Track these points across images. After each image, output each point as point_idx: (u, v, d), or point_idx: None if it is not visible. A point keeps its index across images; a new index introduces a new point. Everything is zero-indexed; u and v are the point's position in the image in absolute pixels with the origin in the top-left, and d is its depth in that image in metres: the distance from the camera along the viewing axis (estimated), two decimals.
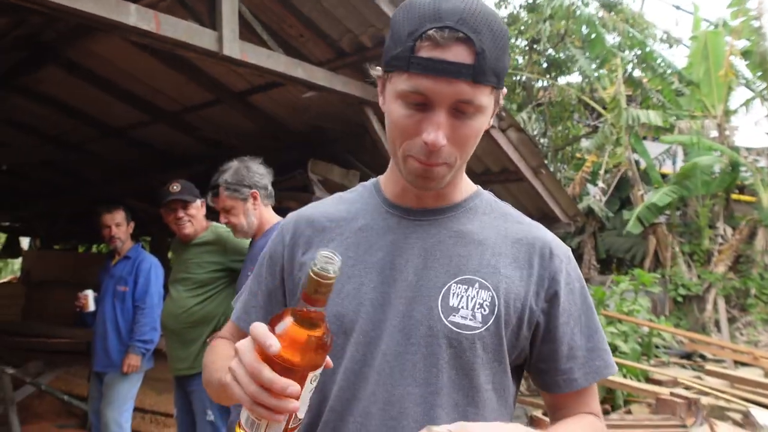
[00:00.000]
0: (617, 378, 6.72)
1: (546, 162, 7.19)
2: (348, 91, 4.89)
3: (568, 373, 1.14)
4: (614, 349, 7.70)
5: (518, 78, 16.23)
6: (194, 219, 3.61)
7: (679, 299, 11.80)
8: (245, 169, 3.14)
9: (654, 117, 12.14)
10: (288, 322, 0.88)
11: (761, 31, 12.35)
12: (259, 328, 0.87)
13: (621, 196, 14.07)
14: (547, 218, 7.05)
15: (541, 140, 15.88)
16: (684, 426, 5.13)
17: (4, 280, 19.69)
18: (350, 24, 4.84)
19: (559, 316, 1.13)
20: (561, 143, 16.25)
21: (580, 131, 16.64)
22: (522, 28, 15.78)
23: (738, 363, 8.58)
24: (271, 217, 3.18)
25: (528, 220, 1.22)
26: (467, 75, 0.97)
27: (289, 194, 6.42)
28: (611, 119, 12.31)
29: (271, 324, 0.89)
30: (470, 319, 1.07)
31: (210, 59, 4.15)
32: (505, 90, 1.09)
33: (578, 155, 15.80)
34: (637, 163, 13.22)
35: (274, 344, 0.84)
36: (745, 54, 12.81)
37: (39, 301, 9.44)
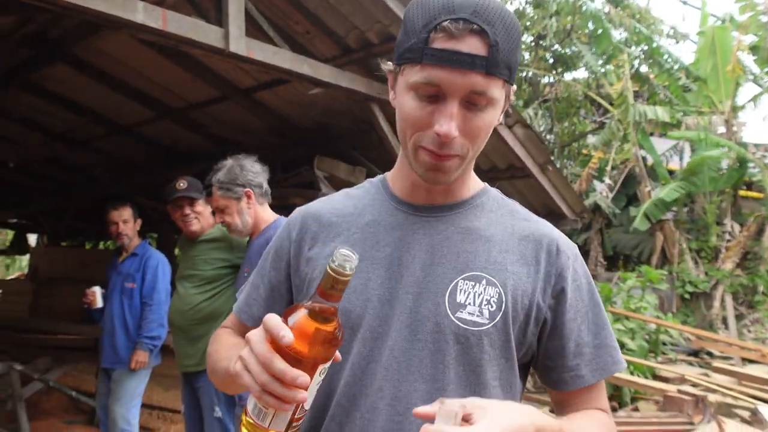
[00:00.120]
0: (624, 375, 6.71)
1: (552, 158, 7.17)
2: (354, 87, 4.88)
3: (575, 369, 1.14)
4: (621, 346, 7.67)
5: (524, 74, 16.18)
6: (201, 216, 3.62)
7: (687, 296, 11.77)
8: (238, 167, 3.08)
9: (661, 113, 12.09)
10: (302, 314, 0.89)
11: None
12: (273, 319, 0.88)
13: (628, 193, 14.02)
14: (553, 215, 7.04)
15: (548, 136, 15.84)
16: (691, 423, 5.12)
17: (12, 276, 19.79)
18: (356, 20, 4.83)
19: (566, 312, 1.13)
20: (567, 139, 16.20)
21: (586, 127, 16.58)
22: (528, 24, 15.71)
23: (746, 360, 8.56)
24: (268, 216, 3.14)
25: (535, 217, 1.22)
26: (481, 66, 0.97)
27: (295, 191, 6.42)
28: (618, 115, 12.25)
29: (285, 316, 0.90)
30: (477, 316, 1.07)
31: (216, 56, 4.16)
32: (515, 87, 1.09)
33: (585, 151, 15.75)
34: (644, 159, 13.18)
35: (287, 335, 0.85)
36: (753, 49, 12.74)
37: (47, 297, 9.47)
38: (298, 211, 1.30)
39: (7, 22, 5.08)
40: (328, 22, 4.94)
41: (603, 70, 14.24)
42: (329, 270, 0.88)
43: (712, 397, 5.77)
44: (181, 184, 3.62)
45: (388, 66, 1.13)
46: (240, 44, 3.96)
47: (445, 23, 0.97)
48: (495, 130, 5.55)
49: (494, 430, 0.80)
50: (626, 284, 9.32)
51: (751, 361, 8.40)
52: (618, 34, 14.30)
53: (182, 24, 3.69)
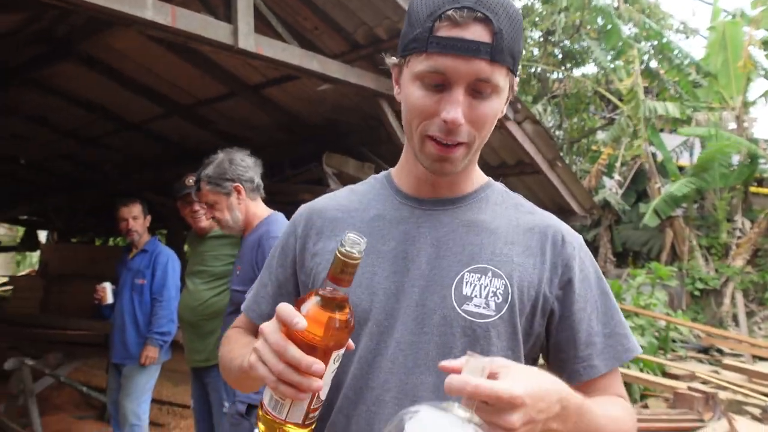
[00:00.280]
0: (634, 372, 6.69)
1: (561, 154, 7.15)
2: (363, 83, 4.88)
3: (587, 360, 1.13)
4: None
5: (533, 70, 16.13)
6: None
7: (697, 293, 11.71)
8: (228, 162, 2.96)
9: (671, 109, 12.02)
10: (314, 301, 0.90)
11: None
12: (286, 307, 0.89)
13: (637, 189, 13.96)
14: (562, 211, 7.02)
15: (557, 132, 15.79)
16: (701, 420, 5.10)
17: (23, 273, 19.92)
18: (365, 16, 4.83)
19: (575, 302, 1.12)
20: (577, 135, 16.15)
21: (595, 123, 16.52)
22: (537, 19, 15.65)
23: (756, 357, 8.52)
24: (261, 212, 3.03)
25: (539, 210, 1.23)
26: (486, 53, 0.99)
27: (304, 187, 6.44)
28: (628, 111, 12.19)
29: (297, 305, 0.91)
30: (484, 308, 1.07)
31: (225, 52, 4.17)
32: (517, 79, 1.11)
33: (594, 147, 15.70)
34: (653, 155, 13.11)
35: (300, 321, 0.86)
36: (765, 44, 12.66)
37: (57, 293, 9.53)
38: (302, 208, 1.31)
39: (16, 19, 5.10)
40: (336, 18, 4.93)
41: (612, 65, 14.15)
42: (338, 254, 0.89)
43: (723, 395, 5.75)
44: (190, 181, 3.62)
45: (392, 60, 1.15)
46: (249, 40, 3.96)
47: (450, 12, 0.98)
48: (504, 126, 5.54)
49: (518, 388, 0.79)
50: (636, 281, 9.30)
51: (762, 359, 8.36)
52: (627, 30, 14.22)
53: (191, 20, 3.70)
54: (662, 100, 13.38)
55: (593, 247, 13.38)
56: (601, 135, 15.53)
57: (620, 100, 13.69)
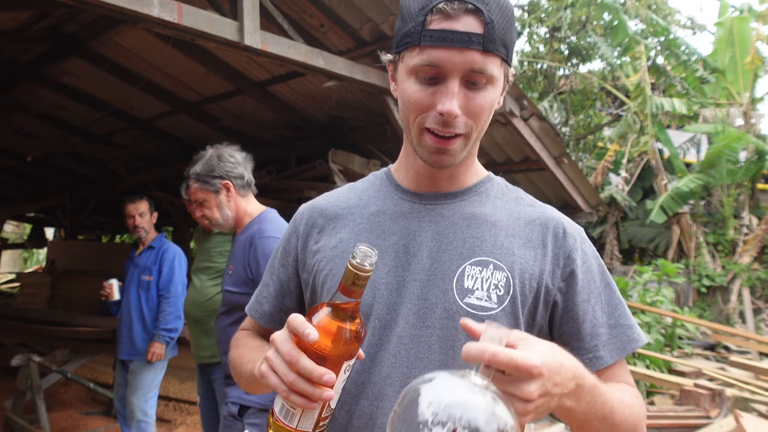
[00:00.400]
0: (641, 369, 6.68)
1: (568, 151, 7.14)
2: (368, 80, 4.88)
3: (593, 351, 1.13)
4: None
5: (539, 66, 16.10)
6: None
7: (703, 290, 11.68)
8: (216, 158, 2.84)
9: (678, 105, 11.97)
10: (325, 313, 0.91)
11: None
12: (297, 318, 0.90)
13: (644, 186, 13.92)
14: (569, 207, 7.01)
15: (563, 129, 15.76)
16: (708, 417, 5.09)
17: (30, 270, 20.01)
18: (371, 13, 4.83)
19: (578, 294, 1.12)
20: (583, 132, 16.11)
21: (602, 120, 16.47)
22: (543, 15, 15.62)
23: (763, 354, 8.48)
24: (253, 209, 2.89)
25: (540, 203, 1.23)
26: (478, 44, 1.00)
27: (310, 184, 6.44)
28: (635, 107, 12.15)
29: (309, 315, 0.91)
30: (486, 300, 1.07)
31: (231, 49, 4.17)
32: (513, 70, 1.11)
33: (600, 144, 15.66)
34: (660, 151, 13.06)
35: (312, 333, 0.87)
36: None
37: (64, 290, 9.55)
38: (303, 207, 1.31)
39: (24, 17, 5.12)
40: (342, 15, 4.93)
41: (619, 61, 14.11)
42: (350, 266, 0.89)
43: (729, 392, 5.72)
44: None
45: (387, 57, 1.16)
46: (255, 37, 3.97)
47: (441, 5, 1.00)
48: (510, 123, 5.51)
49: (534, 358, 0.79)
50: (642, 278, 9.26)
51: None
52: (634, 26, 14.16)
53: (197, 18, 3.71)
54: (669, 96, 13.33)
55: (599, 243, 13.36)
56: (607, 131, 15.49)
57: (627, 96, 13.64)
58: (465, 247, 1.11)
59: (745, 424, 4.53)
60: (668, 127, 13.86)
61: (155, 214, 4.46)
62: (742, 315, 11.29)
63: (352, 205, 1.24)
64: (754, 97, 12.66)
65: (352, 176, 5.87)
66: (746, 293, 11.38)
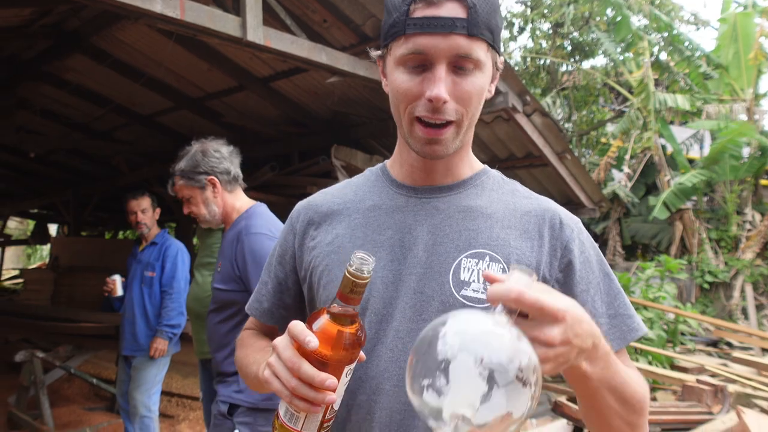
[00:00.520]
0: (642, 365, 6.68)
1: (571, 147, 7.13)
2: (371, 76, 4.87)
3: None
4: None
5: (542, 62, 16.06)
6: None
7: (706, 286, 11.67)
8: (200, 153, 2.76)
9: (681, 101, 11.94)
10: (324, 319, 0.92)
11: None
12: (298, 325, 0.91)
13: (647, 182, 13.90)
14: (571, 204, 7.01)
15: (566, 125, 15.72)
16: (710, 413, 5.08)
17: (34, 266, 20.05)
18: (374, 8, 4.82)
19: (576, 285, 1.12)
20: (586, 128, 16.07)
21: (605, 116, 16.43)
22: (546, 11, 15.58)
23: (765, 350, 8.48)
24: (241, 204, 2.80)
25: (536, 195, 1.22)
26: (462, 28, 1.01)
27: (313, 180, 6.44)
28: (638, 103, 12.13)
29: (309, 322, 0.93)
30: (482, 293, 1.06)
31: (234, 45, 4.17)
32: (503, 58, 1.12)
33: (603, 140, 15.62)
34: (663, 148, 13.04)
35: (312, 340, 0.88)
36: None
37: (67, 286, 9.57)
38: (299, 205, 1.32)
39: (26, 14, 5.12)
40: (345, 10, 4.92)
41: (622, 57, 14.07)
42: (347, 274, 0.90)
43: (732, 388, 5.72)
44: None
45: (376, 53, 1.17)
46: (257, 33, 3.97)
47: None
48: (513, 118, 5.50)
49: (560, 302, 0.79)
50: (645, 274, 9.25)
51: None
52: (637, 21, 14.13)
53: (200, 13, 3.70)
54: (672, 92, 13.30)
55: (602, 240, 13.35)
56: (610, 127, 15.46)
57: (630, 92, 13.62)
58: (461, 239, 1.11)
59: (748, 420, 4.52)
60: (671, 123, 13.82)
61: (158, 210, 4.47)
62: (744, 311, 11.28)
63: (347, 200, 1.24)
64: (758, 93, 12.61)
65: (354, 172, 5.86)
66: (749, 289, 11.37)
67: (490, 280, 0.84)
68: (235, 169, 2.81)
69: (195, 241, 9.94)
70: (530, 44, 16.79)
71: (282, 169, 6.97)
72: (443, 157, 1.11)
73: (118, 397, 4.51)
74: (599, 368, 0.91)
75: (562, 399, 4.85)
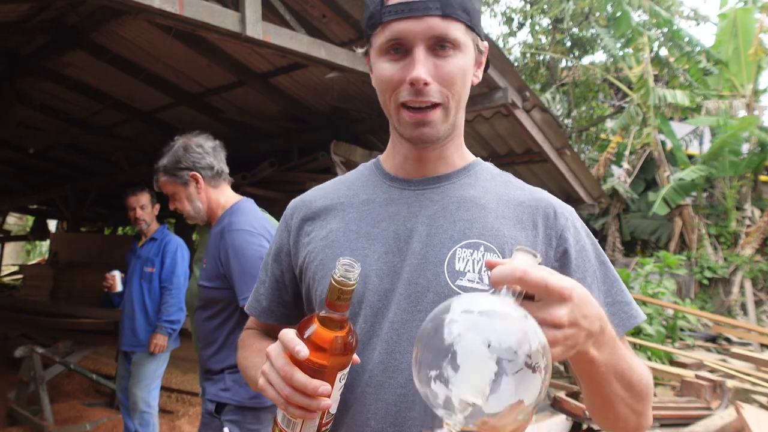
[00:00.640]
0: (641, 360, 6.68)
1: (570, 143, 7.13)
2: None
3: None
4: (639, 331, 7.65)
5: (542, 58, 16.05)
6: None
7: (705, 282, 11.68)
8: (182, 149, 2.70)
9: (681, 97, 11.94)
10: (314, 327, 0.92)
11: None
12: (288, 334, 0.92)
13: (646, 178, 13.90)
14: (571, 199, 7.00)
15: (565, 121, 15.72)
16: (709, 408, 5.09)
17: (33, 262, 20.05)
18: None
19: (572, 273, 1.11)
20: (585, 124, 16.07)
21: (604, 111, 16.43)
22: (545, 7, 15.56)
23: (764, 346, 8.50)
24: (226, 200, 2.73)
25: (530, 186, 1.22)
26: (435, 9, 1.03)
27: (312, 176, 6.44)
28: (637, 99, 12.12)
29: (299, 330, 0.93)
30: (477, 282, 1.06)
31: (233, 40, 4.16)
32: (486, 44, 1.14)
33: (603, 136, 15.63)
34: (663, 143, 13.03)
35: (302, 350, 0.89)
36: None
37: (67, 282, 9.58)
38: (292, 202, 1.32)
39: (24, 9, 5.11)
40: (344, 6, 4.91)
41: (622, 53, 14.05)
42: (333, 282, 0.90)
43: (730, 383, 5.73)
44: None
45: (362, 50, 1.18)
46: (256, 28, 3.96)
47: None
48: (512, 114, 5.48)
49: (565, 282, 0.79)
50: (644, 269, 9.27)
51: None
52: (637, 17, 14.10)
53: (199, 8, 3.70)
54: (672, 88, 13.30)
55: (601, 235, 13.35)
56: (610, 123, 15.47)
57: (630, 88, 13.61)
58: (455, 230, 1.11)
59: (746, 416, 4.53)
60: (671, 119, 13.81)
61: (157, 206, 4.47)
62: (743, 307, 11.30)
63: (341, 195, 1.24)
64: (757, 88, 12.60)
65: (353, 168, 5.86)
66: (748, 285, 11.39)
67: (492, 266, 0.83)
68: (219, 164, 2.75)
69: (195, 236, 9.94)
70: (530, 40, 16.78)
71: (281, 165, 6.97)
72: (434, 141, 1.12)
73: (118, 393, 4.51)
74: (607, 353, 0.90)
75: (561, 395, 4.86)
